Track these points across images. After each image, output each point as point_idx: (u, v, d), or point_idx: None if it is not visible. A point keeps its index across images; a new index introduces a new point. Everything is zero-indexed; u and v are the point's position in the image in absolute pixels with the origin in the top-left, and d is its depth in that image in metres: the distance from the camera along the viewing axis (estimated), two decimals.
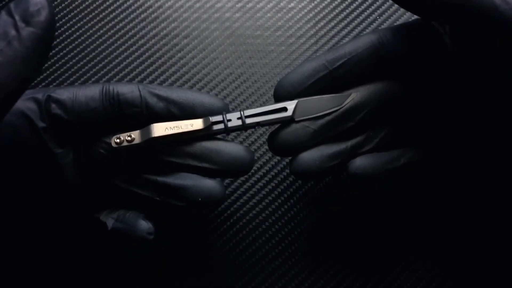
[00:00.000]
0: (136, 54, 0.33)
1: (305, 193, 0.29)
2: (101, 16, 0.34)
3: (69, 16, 0.34)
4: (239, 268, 0.28)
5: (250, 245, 0.28)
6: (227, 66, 0.32)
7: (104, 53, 0.33)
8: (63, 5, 0.34)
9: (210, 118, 0.23)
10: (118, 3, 0.34)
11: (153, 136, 0.22)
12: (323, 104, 0.24)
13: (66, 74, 0.32)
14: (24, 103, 0.22)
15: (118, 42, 0.33)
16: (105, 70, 0.32)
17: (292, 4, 0.34)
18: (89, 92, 0.23)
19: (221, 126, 0.23)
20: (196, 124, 0.23)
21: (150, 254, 0.28)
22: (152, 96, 0.23)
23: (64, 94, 0.22)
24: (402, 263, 0.28)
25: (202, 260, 0.28)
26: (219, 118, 0.23)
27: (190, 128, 0.23)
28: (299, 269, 0.28)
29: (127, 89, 0.23)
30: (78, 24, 0.34)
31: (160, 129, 0.22)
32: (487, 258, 0.27)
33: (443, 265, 0.27)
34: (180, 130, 0.22)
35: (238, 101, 0.32)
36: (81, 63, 0.33)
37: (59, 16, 0.34)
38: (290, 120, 0.23)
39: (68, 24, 0.34)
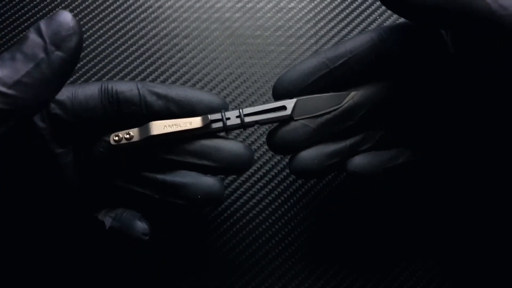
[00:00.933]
0: (136, 54, 0.33)
1: (305, 193, 0.29)
2: (101, 16, 0.34)
3: None
4: (239, 268, 0.28)
5: (250, 245, 0.28)
6: (227, 66, 0.32)
7: (104, 53, 0.33)
8: (63, 5, 0.34)
9: (209, 116, 0.23)
10: (118, 3, 0.34)
11: (151, 134, 0.22)
12: (322, 103, 0.24)
13: None
14: None
15: (118, 42, 0.33)
16: (105, 70, 0.32)
17: (292, 4, 0.34)
18: (88, 91, 0.23)
19: (220, 124, 0.23)
20: (195, 122, 0.23)
21: (150, 254, 0.28)
22: (151, 95, 0.23)
23: (64, 93, 0.22)
24: (402, 263, 0.28)
25: (202, 260, 0.28)
26: (218, 116, 0.23)
27: (188, 127, 0.23)
28: (299, 269, 0.28)
29: (126, 88, 0.23)
30: None
31: (159, 127, 0.22)
32: (487, 258, 0.27)
33: (443, 265, 0.27)
34: (179, 128, 0.22)
35: (238, 101, 0.32)
36: (81, 63, 0.33)
37: None
38: (289, 119, 0.23)
39: None
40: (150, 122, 0.22)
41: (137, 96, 0.23)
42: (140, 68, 0.32)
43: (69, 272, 0.27)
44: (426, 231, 0.28)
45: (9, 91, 0.17)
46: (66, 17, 0.18)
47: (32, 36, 0.18)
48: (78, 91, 0.23)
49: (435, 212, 0.28)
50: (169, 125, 0.22)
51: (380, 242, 0.28)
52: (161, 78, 0.32)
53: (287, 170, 0.30)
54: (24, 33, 0.33)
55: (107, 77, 0.32)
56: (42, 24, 0.18)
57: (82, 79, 0.32)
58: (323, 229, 0.28)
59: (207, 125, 0.23)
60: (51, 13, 0.34)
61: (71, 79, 0.32)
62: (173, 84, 0.24)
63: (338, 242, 0.28)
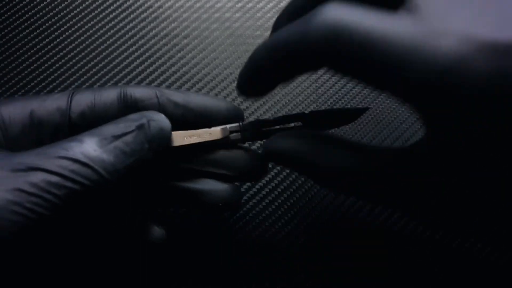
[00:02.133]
0: (136, 54, 0.33)
1: (304, 192, 0.29)
2: (101, 16, 0.34)
3: (69, 16, 0.34)
4: (238, 268, 0.28)
5: (250, 245, 0.28)
6: (227, 66, 0.32)
7: (104, 53, 0.33)
8: (63, 5, 0.34)
9: (228, 127, 0.23)
10: (118, 3, 0.34)
11: (172, 145, 0.22)
12: (336, 116, 0.23)
13: (66, 74, 0.32)
14: (54, 116, 0.22)
15: (118, 42, 0.33)
16: (105, 70, 0.32)
17: None
18: (107, 99, 0.22)
19: (238, 135, 0.23)
20: (214, 133, 0.23)
21: (158, 258, 0.28)
22: (170, 103, 0.23)
23: (83, 102, 0.22)
24: (400, 263, 0.28)
25: (200, 261, 0.28)
26: (236, 127, 0.23)
27: (208, 138, 0.23)
28: (299, 269, 0.28)
29: (146, 96, 0.23)
30: (78, 24, 0.34)
31: (179, 138, 0.22)
32: (487, 259, 0.27)
33: (443, 265, 0.27)
34: (199, 140, 0.23)
35: (238, 101, 0.32)
36: (81, 63, 0.33)
37: (59, 15, 0.34)
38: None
39: (68, 24, 0.34)
40: (171, 133, 0.22)
41: (157, 105, 0.23)
42: (140, 68, 0.32)
43: (70, 272, 0.27)
44: (426, 231, 0.28)
45: (107, 177, 0.19)
46: (167, 125, 0.21)
47: (137, 133, 0.20)
48: (97, 100, 0.22)
49: (435, 212, 0.28)
50: (189, 136, 0.23)
51: (381, 242, 0.28)
52: (161, 78, 0.32)
53: (287, 170, 0.30)
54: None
55: (107, 77, 0.32)
56: (146, 124, 0.20)
57: (82, 79, 0.32)
58: (323, 229, 0.28)
59: (226, 136, 0.23)
60: (51, 13, 0.34)
61: (71, 79, 0.32)
62: (190, 92, 0.24)
63: (339, 242, 0.28)
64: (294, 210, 0.29)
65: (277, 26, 0.22)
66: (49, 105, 0.22)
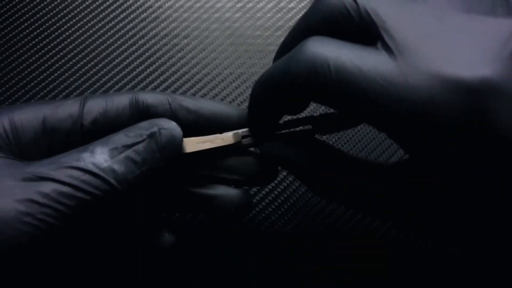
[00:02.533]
0: (136, 54, 0.33)
1: (304, 192, 0.29)
2: (101, 16, 0.34)
3: (69, 16, 0.34)
4: (238, 268, 0.28)
5: (250, 245, 0.28)
6: (227, 66, 0.32)
7: (104, 53, 0.33)
8: (63, 5, 0.34)
9: (239, 132, 0.23)
10: (118, 3, 0.34)
11: (185, 152, 0.22)
12: (344, 119, 0.23)
13: (66, 74, 0.32)
14: (66, 123, 0.22)
15: (118, 42, 0.33)
16: (105, 70, 0.32)
17: (292, 4, 0.34)
18: (119, 105, 0.22)
19: (250, 140, 0.23)
20: (227, 139, 0.23)
21: (155, 258, 0.28)
22: (182, 109, 0.23)
23: (95, 109, 0.22)
24: (399, 263, 0.28)
25: (200, 261, 0.28)
26: (246, 131, 0.23)
27: (221, 143, 0.23)
28: (299, 269, 0.28)
29: (157, 102, 0.23)
30: (78, 24, 0.34)
31: (192, 144, 0.22)
32: (487, 259, 0.27)
33: (443, 265, 0.27)
34: (211, 146, 0.23)
35: (238, 101, 0.32)
36: (81, 63, 0.33)
37: (59, 16, 0.34)
38: (314, 133, 0.23)
39: (68, 24, 0.34)
40: (183, 139, 0.22)
41: (168, 111, 0.22)
42: (140, 68, 0.32)
43: (80, 277, 0.27)
44: (426, 230, 0.28)
45: (118, 186, 0.19)
46: (178, 133, 0.21)
47: (148, 142, 0.20)
48: (109, 106, 0.22)
49: (435, 211, 0.28)
50: (201, 142, 0.22)
51: (380, 242, 0.28)
52: (161, 78, 0.32)
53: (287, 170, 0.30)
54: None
55: (107, 77, 0.32)
56: (157, 132, 0.20)
57: (82, 79, 0.32)
58: (324, 229, 0.28)
59: (238, 141, 0.23)
60: (51, 13, 0.34)
61: (71, 79, 0.32)
62: (201, 98, 0.24)
63: (339, 242, 0.28)
64: (294, 210, 0.29)
65: (273, 62, 0.23)
66: (62, 112, 0.22)
